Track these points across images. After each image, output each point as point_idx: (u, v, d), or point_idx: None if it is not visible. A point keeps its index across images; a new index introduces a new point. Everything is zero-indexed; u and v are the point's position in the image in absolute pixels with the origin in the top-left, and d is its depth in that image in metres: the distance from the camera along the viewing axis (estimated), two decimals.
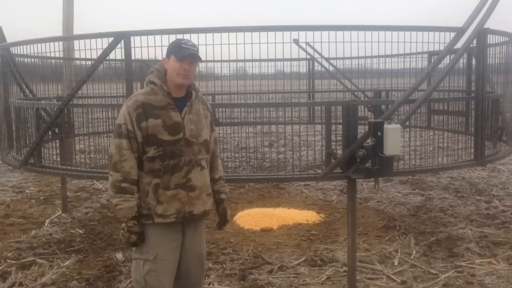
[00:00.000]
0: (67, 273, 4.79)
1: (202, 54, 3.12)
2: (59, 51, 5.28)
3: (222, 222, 3.37)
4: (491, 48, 4.97)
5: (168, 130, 2.95)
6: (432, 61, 5.22)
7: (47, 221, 6.51)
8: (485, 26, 4.45)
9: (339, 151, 4.05)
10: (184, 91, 3.07)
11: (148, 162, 2.95)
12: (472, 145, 4.80)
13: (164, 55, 3.07)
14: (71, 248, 5.47)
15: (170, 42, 3.11)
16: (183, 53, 2.95)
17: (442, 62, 4.48)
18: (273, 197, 7.74)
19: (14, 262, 5.04)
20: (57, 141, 5.61)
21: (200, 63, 3.28)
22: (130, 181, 2.91)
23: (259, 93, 8.79)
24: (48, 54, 5.08)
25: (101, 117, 7.45)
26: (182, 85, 3.02)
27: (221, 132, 8.58)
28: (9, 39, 5.98)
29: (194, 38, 3.95)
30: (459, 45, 4.41)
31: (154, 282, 2.99)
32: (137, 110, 2.90)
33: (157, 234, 2.99)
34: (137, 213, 2.93)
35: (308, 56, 8.76)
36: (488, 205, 6.95)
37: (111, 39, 4.35)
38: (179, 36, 3.97)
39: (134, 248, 3.05)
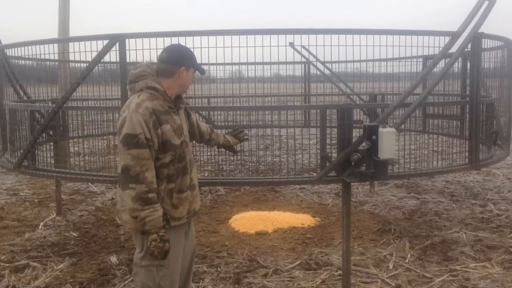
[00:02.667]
0: (60, 276, 4.76)
1: (197, 57, 3.20)
2: (54, 53, 5.24)
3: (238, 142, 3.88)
4: (485, 52, 4.99)
5: (176, 134, 2.97)
6: (427, 65, 5.23)
7: (41, 224, 6.49)
8: (479, 31, 4.47)
9: (335, 155, 4.05)
10: None
11: (163, 168, 2.94)
12: (467, 149, 4.81)
13: (177, 63, 3.05)
14: (65, 251, 5.44)
15: (183, 52, 3.10)
16: (203, 70, 3.18)
17: (437, 66, 4.49)
18: (268, 200, 7.73)
19: (7, 265, 5.01)
20: (52, 143, 5.59)
21: None
22: (154, 190, 2.87)
23: (255, 96, 8.79)
24: (43, 56, 5.06)
25: (96, 119, 7.42)
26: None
27: None
28: (4, 41, 5.96)
29: (189, 41, 3.94)
30: (454, 49, 4.42)
31: (167, 286, 3.02)
32: (152, 117, 2.85)
33: (171, 238, 2.99)
34: (164, 221, 2.92)
35: (303, 60, 8.77)
36: (483, 209, 6.97)
37: (106, 41, 4.33)
38: (175, 39, 3.98)
39: (140, 255, 3.02)
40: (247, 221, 6.39)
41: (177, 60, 3.00)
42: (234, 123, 8.98)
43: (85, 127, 7.19)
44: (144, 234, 2.96)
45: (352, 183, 4.09)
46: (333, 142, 4.25)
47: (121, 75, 4.39)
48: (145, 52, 4.17)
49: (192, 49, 3.20)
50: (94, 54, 4.40)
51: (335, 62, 8.31)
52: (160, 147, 2.90)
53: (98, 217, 6.81)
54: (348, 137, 3.93)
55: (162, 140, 2.90)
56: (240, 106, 8.82)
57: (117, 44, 4.26)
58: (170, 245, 2.97)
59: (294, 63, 9.10)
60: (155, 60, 3.44)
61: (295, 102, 9.40)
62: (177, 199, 2.99)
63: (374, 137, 3.72)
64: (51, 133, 5.33)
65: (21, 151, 5.10)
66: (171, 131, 2.93)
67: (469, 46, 4.52)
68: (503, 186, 8.38)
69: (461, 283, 4.51)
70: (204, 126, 3.61)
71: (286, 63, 8.83)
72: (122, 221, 3.05)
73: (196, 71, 3.16)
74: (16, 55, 5.42)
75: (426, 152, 5.27)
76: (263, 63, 8.39)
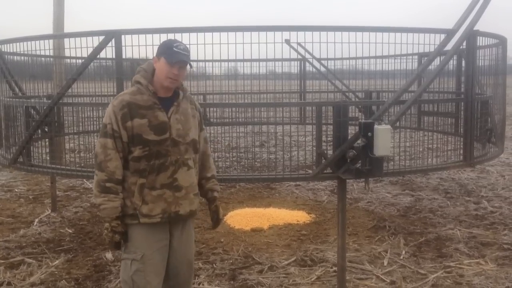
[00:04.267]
0: (56, 272, 4.76)
1: (193, 53, 3.14)
2: (50, 49, 5.23)
3: (215, 221, 3.35)
4: (480, 50, 5.01)
5: (154, 130, 2.94)
6: (422, 62, 5.25)
7: (36, 220, 6.47)
8: (475, 28, 4.49)
9: (330, 152, 4.06)
10: (172, 91, 3.07)
11: (134, 162, 2.95)
12: (462, 146, 4.84)
13: (155, 54, 3.06)
14: (60, 248, 5.43)
15: (162, 41, 3.10)
16: (175, 58, 2.92)
17: (432, 64, 4.51)
18: (263, 197, 7.74)
19: (2, 261, 5.00)
20: (47, 139, 5.58)
21: (191, 62, 3.26)
22: (115, 181, 2.91)
23: (251, 93, 8.78)
24: (38, 52, 5.05)
25: (91, 116, 7.41)
26: (168, 88, 3.03)
27: (212, 132, 8.58)
28: None
29: (185, 38, 3.95)
30: (449, 46, 4.44)
31: (142, 282, 2.98)
32: (123, 109, 2.90)
33: (143, 234, 2.99)
34: (121, 213, 2.94)
35: (299, 57, 8.77)
36: (477, 206, 7.01)
37: (101, 37, 4.32)
38: (171, 35, 3.96)
39: (123, 248, 3.04)
40: (243, 217, 6.39)
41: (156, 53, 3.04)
42: (230, 120, 8.99)
43: (81, 124, 7.18)
44: (129, 227, 2.99)
45: (347, 180, 4.10)
46: (328, 139, 4.26)
47: (117, 71, 4.39)
48: (141, 49, 4.18)
49: (188, 46, 3.14)
50: (90, 50, 4.39)
51: (330, 59, 8.33)
52: (130, 140, 2.93)
53: (93, 214, 6.79)
54: (344, 134, 3.94)
55: (132, 134, 2.92)
56: (235, 103, 8.82)
57: (113, 40, 4.26)
58: (143, 241, 2.97)
59: (289, 60, 9.10)
60: (150, 56, 3.44)
61: (290, 99, 9.40)
62: (149, 196, 2.96)
63: (369, 134, 3.73)
64: (46, 129, 5.31)
65: (16, 147, 5.09)
66: (145, 125, 2.92)
67: (464, 43, 4.54)
68: (497, 184, 8.43)
69: (455, 279, 4.54)
70: (209, 165, 3.30)
71: (281, 60, 8.83)
72: None
73: (174, 63, 2.93)
74: (11, 51, 5.40)
75: (421, 149, 5.28)
76: (258, 60, 8.37)
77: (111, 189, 2.90)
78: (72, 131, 7.23)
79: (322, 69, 8.36)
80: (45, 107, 4.78)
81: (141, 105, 2.94)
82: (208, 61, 8.26)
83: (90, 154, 7.14)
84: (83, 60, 4.63)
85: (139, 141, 2.93)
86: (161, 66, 2.95)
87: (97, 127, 7.33)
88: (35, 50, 4.94)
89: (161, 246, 3.05)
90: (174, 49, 2.94)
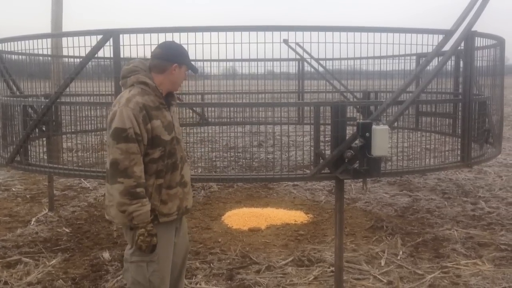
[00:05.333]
0: (53, 272, 4.75)
1: (192, 53, 3.20)
2: (48, 48, 5.22)
3: None
4: (478, 50, 5.01)
5: (166, 130, 2.97)
6: (421, 63, 5.25)
7: (33, 219, 6.46)
8: (473, 29, 4.49)
9: (328, 152, 4.06)
10: None
11: (152, 163, 2.95)
12: (459, 147, 4.84)
13: (170, 60, 3.04)
14: (58, 247, 5.43)
15: (177, 49, 3.09)
16: (196, 69, 3.15)
17: (430, 64, 4.51)
18: (261, 197, 7.74)
19: None
20: (44, 139, 5.57)
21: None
22: (143, 185, 2.88)
23: (249, 93, 8.78)
24: (36, 51, 5.04)
25: (89, 115, 7.40)
26: (172, 90, 3.13)
27: (210, 131, 8.59)
28: None
29: (184, 37, 3.94)
30: (447, 47, 4.44)
31: (157, 281, 3.02)
32: (142, 112, 2.87)
33: (160, 234, 3.00)
34: (152, 216, 2.93)
35: (297, 57, 8.77)
36: (474, 207, 7.02)
37: (99, 36, 4.32)
38: (169, 35, 3.97)
39: (129, 252, 3.02)
40: (240, 217, 6.40)
41: (170, 57, 3.01)
42: (228, 120, 8.99)
43: (78, 123, 7.17)
44: (133, 229, 2.97)
45: (345, 180, 4.11)
46: (326, 139, 4.26)
47: (114, 71, 4.38)
48: (139, 48, 4.17)
49: (186, 45, 3.21)
50: (88, 49, 4.38)
51: (329, 59, 8.32)
52: (149, 142, 2.91)
53: (90, 213, 6.79)
54: (342, 134, 3.94)
55: (152, 136, 2.91)
56: (234, 102, 8.81)
57: (111, 40, 4.25)
58: (159, 241, 2.98)
59: (288, 60, 9.10)
60: (149, 56, 3.44)
61: (289, 99, 9.41)
62: (166, 195, 2.99)
63: (367, 134, 3.74)
64: (44, 128, 5.31)
65: (14, 147, 5.07)
66: (161, 126, 2.93)
67: (462, 44, 4.55)
68: (494, 184, 8.44)
69: (452, 280, 4.54)
70: None
71: (280, 60, 8.83)
72: (110, 216, 3.07)
73: (189, 70, 3.17)
74: (8, 49, 5.38)
75: (418, 150, 5.29)
76: (257, 60, 8.37)
77: (141, 194, 2.85)
78: (69, 130, 7.22)
79: (321, 69, 8.37)
80: (42, 106, 4.77)
81: (151, 106, 2.93)
82: (207, 60, 8.26)
83: (88, 153, 7.14)
84: (81, 59, 4.62)
85: (158, 142, 2.93)
86: (181, 73, 3.07)
87: (95, 126, 7.33)
88: (33, 49, 4.92)
89: (171, 243, 3.12)
90: (190, 59, 3.12)
